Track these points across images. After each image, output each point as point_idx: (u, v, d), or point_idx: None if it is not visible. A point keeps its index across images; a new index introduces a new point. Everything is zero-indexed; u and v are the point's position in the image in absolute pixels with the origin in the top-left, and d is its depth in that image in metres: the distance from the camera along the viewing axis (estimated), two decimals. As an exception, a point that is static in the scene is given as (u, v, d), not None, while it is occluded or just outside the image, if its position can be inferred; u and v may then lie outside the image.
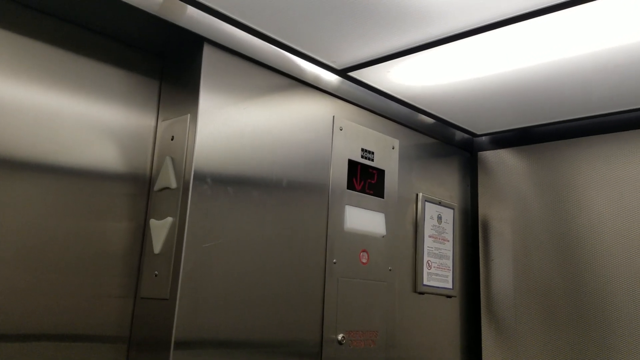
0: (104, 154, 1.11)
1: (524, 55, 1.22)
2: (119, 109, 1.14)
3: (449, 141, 1.75)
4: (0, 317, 0.95)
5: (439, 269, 1.63)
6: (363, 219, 1.41)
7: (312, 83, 1.32)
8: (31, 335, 0.99)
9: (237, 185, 1.13)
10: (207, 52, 1.11)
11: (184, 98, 1.13)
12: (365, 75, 1.35)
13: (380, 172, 1.47)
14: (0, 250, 0.96)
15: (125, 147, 1.14)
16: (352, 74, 1.34)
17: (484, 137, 1.82)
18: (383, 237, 1.45)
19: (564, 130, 1.65)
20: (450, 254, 1.68)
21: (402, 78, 1.36)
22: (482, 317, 1.71)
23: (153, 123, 1.18)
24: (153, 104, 1.19)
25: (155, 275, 1.07)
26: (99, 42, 1.13)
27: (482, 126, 1.72)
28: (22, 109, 1.01)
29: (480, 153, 1.82)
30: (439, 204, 1.67)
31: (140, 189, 1.15)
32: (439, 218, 1.66)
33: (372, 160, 1.46)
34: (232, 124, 1.14)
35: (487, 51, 1.21)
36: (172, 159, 1.10)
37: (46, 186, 1.03)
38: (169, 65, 1.20)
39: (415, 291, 1.55)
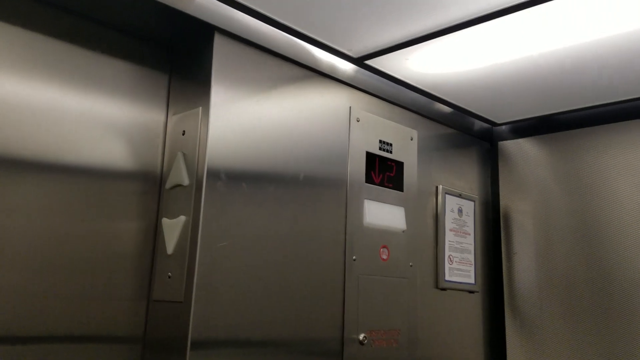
0: (112, 151, 1.06)
1: (544, 39, 1.17)
2: (127, 104, 1.09)
3: (468, 131, 1.69)
4: (11, 319, 0.92)
5: (461, 263, 1.57)
6: (383, 213, 1.35)
7: (327, 73, 1.26)
8: (41, 337, 0.95)
9: (252, 181, 1.08)
10: (218, 42, 1.06)
11: (195, 91, 1.08)
12: (383, 63, 1.29)
13: (399, 165, 1.42)
14: (10, 252, 0.92)
15: (135, 143, 1.09)
16: (369, 62, 1.28)
17: (504, 126, 1.76)
18: (403, 231, 1.39)
19: (587, 117, 1.59)
20: (471, 248, 1.62)
21: (420, 66, 1.31)
22: (505, 312, 1.66)
23: (163, 118, 1.13)
24: (162, 98, 1.14)
25: (169, 277, 1.02)
26: (104, 34, 1.08)
27: (502, 115, 1.67)
28: (25, 105, 0.97)
29: (500, 143, 1.76)
30: (460, 196, 1.61)
31: (150, 186, 1.10)
32: (460, 211, 1.60)
33: (391, 152, 1.40)
34: (245, 116, 1.09)
35: (506, 36, 1.16)
36: (184, 155, 1.05)
37: (53, 186, 0.98)
38: (178, 57, 1.15)
39: (437, 287, 1.50)
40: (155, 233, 1.09)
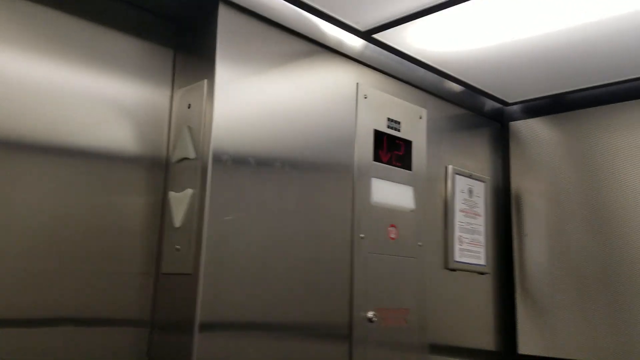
0: (118, 126, 1.06)
1: (557, 16, 1.15)
2: (132, 79, 1.08)
3: (478, 111, 1.67)
4: (20, 300, 0.91)
5: (471, 244, 1.55)
6: (391, 192, 1.34)
7: (334, 48, 1.25)
8: (50, 319, 0.95)
9: (259, 155, 1.08)
10: (223, 13, 1.05)
11: (200, 64, 1.07)
12: (391, 37, 1.27)
13: (408, 143, 1.40)
14: (18, 233, 0.92)
15: (141, 117, 1.09)
16: (377, 36, 1.26)
17: (515, 106, 1.73)
18: (412, 211, 1.38)
19: (600, 95, 1.56)
20: (482, 229, 1.60)
21: (430, 41, 1.29)
22: (516, 294, 1.65)
23: (169, 92, 1.13)
24: (168, 72, 1.13)
25: (177, 250, 1.02)
26: (109, 6, 1.07)
27: (513, 94, 1.64)
28: (26, 80, 0.96)
29: (511, 123, 1.74)
30: (470, 177, 1.59)
31: (158, 161, 1.10)
32: (470, 192, 1.58)
33: (399, 130, 1.38)
34: (250, 90, 1.08)
35: (519, 11, 1.14)
36: (190, 128, 1.05)
37: (59, 162, 0.98)
38: (183, 30, 1.14)
39: (446, 268, 1.48)
40: (163, 207, 1.09)
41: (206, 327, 0.96)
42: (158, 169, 1.10)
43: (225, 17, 1.05)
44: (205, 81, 1.03)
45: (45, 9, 0.99)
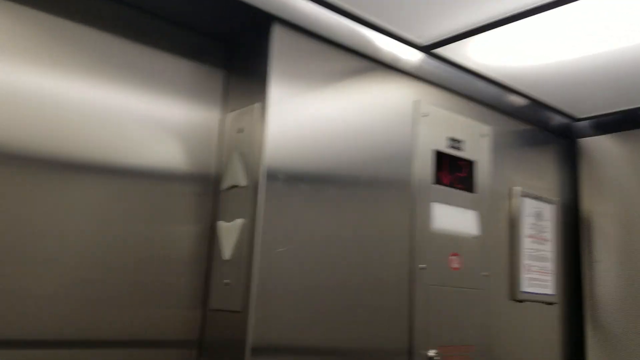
0: (165, 151, 1.01)
1: (630, 31, 1.05)
2: (181, 101, 1.04)
3: (545, 127, 1.55)
4: (65, 322, 0.88)
5: (539, 272, 1.43)
6: (453, 217, 1.24)
7: (391, 64, 1.17)
8: (94, 341, 0.91)
9: (312, 182, 1.00)
10: (277, 33, 0.99)
11: (252, 86, 1.01)
12: (453, 51, 1.19)
13: (470, 164, 1.30)
14: (63, 256, 0.89)
15: (189, 142, 1.04)
16: (438, 50, 1.18)
17: (584, 122, 1.61)
18: (476, 238, 1.27)
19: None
20: (551, 255, 1.48)
21: (493, 54, 1.20)
22: (586, 326, 1.53)
23: (218, 115, 1.07)
24: (218, 94, 1.08)
25: (226, 285, 0.95)
26: (159, 28, 1.03)
27: (582, 108, 1.53)
28: (75, 104, 0.93)
29: (580, 140, 1.61)
30: (538, 199, 1.47)
31: (205, 187, 1.04)
32: (538, 215, 1.46)
33: (461, 150, 1.28)
34: (304, 112, 1.01)
35: (588, 22, 1.04)
36: (241, 154, 0.98)
37: (107, 187, 0.94)
38: (234, 50, 1.09)
39: (513, 299, 1.36)
40: (210, 237, 1.02)
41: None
42: (206, 195, 1.04)
43: (279, 37, 0.99)
44: (258, 105, 0.97)
45: (96, 32, 0.96)
